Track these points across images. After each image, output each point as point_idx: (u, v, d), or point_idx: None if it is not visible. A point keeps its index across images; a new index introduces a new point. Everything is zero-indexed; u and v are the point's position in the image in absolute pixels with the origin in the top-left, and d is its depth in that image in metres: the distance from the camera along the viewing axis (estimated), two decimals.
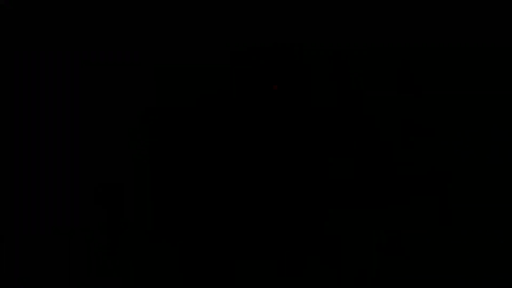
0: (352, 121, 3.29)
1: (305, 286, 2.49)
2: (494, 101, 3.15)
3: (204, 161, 3.38)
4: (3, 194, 3.11)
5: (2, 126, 3.69)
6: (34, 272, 2.58)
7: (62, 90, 3.91)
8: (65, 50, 4.01)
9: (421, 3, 3.36)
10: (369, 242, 2.70)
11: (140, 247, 2.74)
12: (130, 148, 3.56)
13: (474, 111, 3.11)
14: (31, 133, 3.62)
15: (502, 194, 2.86)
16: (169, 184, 3.22)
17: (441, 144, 3.08)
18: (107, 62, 3.98)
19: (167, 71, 3.93)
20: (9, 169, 3.33)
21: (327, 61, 3.47)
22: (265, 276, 2.53)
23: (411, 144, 3.11)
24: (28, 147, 3.51)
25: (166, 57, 4.02)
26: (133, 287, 2.52)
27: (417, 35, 3.33)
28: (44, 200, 3.07)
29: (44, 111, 3.78)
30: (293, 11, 3.57)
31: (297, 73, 3.55)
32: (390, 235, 2.73)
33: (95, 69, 3.94)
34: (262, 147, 3.32)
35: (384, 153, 3.15)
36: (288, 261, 2.61)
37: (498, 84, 3.19)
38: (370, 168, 3.11)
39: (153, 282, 2.53)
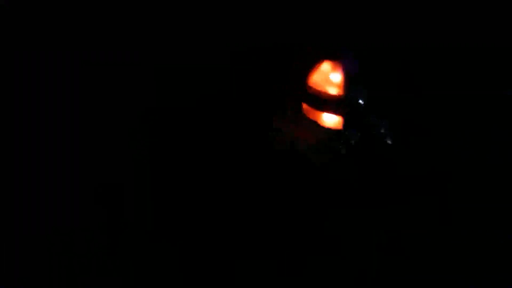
0: (352, 121, 3.29)
1: (305, 286, 2.49)
2: (494, 101, 3.15)
3: (205, 161, 3.39)
4: (3, 194, 3.11)
5: (2, 126, 3.69)
6: (34, 272, 2.58)
7: (62, 90, 3.91)
8: (65, 50, 4.01)
9: (421, 4, 3.36)
10: (369, 242, 2.70)
11: (140, 247, 2.74)
12: (130, 148, 3.56)
13: (474, 111, 3.11)
14: (31, 133, 3.62)
15: (502, 194, 2.86)
16: (169, 184, 3.22)
17: (441, 144, 3.08)
18: (107, 62, 3.98)
19: (167, 71, 3.93)
20: (9, 169, 3.33)
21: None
22: (265, 276, 2.53)
23: (411, 143, 3.11)
24: (28, 147, 3.51)
25: (166, 57, 4.02)
26: (133, 287, 2.52)
27: (416, 35, 3.33)
28: (44, 200, 3.07)
29: (44, 111, 3.78)
30: (293, 11, 3.57)
31: (297, 72, 3.54)
32: (390, 235, 2.73)
33: (95, 69, 3.94)
34: (263, 147, 3.31)
35: (384, 152, 3.15)
36: (288, 261, 2.61)
37: (499, 84, 3.19)
38: (370, 168, 3.11)
39: (153, 282, 2.53)
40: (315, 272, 2.55)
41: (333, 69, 2.95)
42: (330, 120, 2.98)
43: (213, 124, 3.57)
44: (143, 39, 4.01)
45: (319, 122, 2.99)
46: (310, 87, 2.96)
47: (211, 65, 3.79)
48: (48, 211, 2.97)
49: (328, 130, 2.97)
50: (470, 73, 3.17)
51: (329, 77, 2.93)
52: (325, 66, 2.95)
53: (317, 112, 3.00)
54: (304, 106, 3.03)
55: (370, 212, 2.86)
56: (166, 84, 3.87)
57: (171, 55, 3.97)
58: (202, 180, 3.22)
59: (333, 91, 2.92)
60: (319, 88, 2.94)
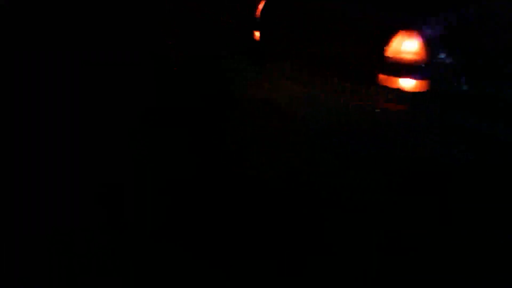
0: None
1: (305, 286, 2.49)
2: (493, 100, 3.15)
3: (204, 160, 3.39)
4: (3, 194, 3.11)
5: (3, 126, 3.69)
6: (34, 272, 2.58)
7: (62, 90, 3.91)
8: (65, 50, 4.01)
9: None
10: (369, 242, 2.71)
11: (140, 247, 2.74)
12: (130, 148, 3.56)
13: (474, 110, 3.11)
14: (31, 133, 3.63)
15: (502, 194, 2.86)
16: (169, 184, 3.22)
17: (441, 143, 3.08)
18: (107, 62, 3.98)
19: (167, 71, 3.93)
20: (9, 169, 3.33)
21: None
22: (265, 276, 2.53)
23: (411, 143, 3.11)
24: (28, 147, 3.51)
25: (167, 57, 4.02)
26: (133, 287, 2.53)
27: None
28: (44, 200, 3.07)
29: (44, 111, 3.79)
30: None
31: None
32: (390, 235, 2.73)
33: (95, 69, 3.94)
34: (263, 146, 3.31)
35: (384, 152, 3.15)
36: (288, 261, 2.61)
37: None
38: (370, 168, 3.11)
39: (153, 282, 2.54)
40: (315, 272, 2.56)
41: (408, 38, 2.94)
42: (412, 85, 2.98)
43: (212, 124, 3.57)
44: (143, 39, 4.00)
45: (402, 89, 2.98)
46: (388, 57, 2.96)
47: (211, 65, 3.79)
48: (48, 211, 2.97)
49: (414, 95, 2.96)
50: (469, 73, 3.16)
51: (404, 46, 2.93)
52: (399, 37, 2.96)
53: (397, 79, 3.00)
54: (381, 76, 3.02)
55: (370, 212, 2.86)
56: (166, 84, 3.87)
57: (171, 55, 3.97)
58: (202, 180, 3.22)
59: (411, 57, 2.93)
60: (396, 56, 2.95)
